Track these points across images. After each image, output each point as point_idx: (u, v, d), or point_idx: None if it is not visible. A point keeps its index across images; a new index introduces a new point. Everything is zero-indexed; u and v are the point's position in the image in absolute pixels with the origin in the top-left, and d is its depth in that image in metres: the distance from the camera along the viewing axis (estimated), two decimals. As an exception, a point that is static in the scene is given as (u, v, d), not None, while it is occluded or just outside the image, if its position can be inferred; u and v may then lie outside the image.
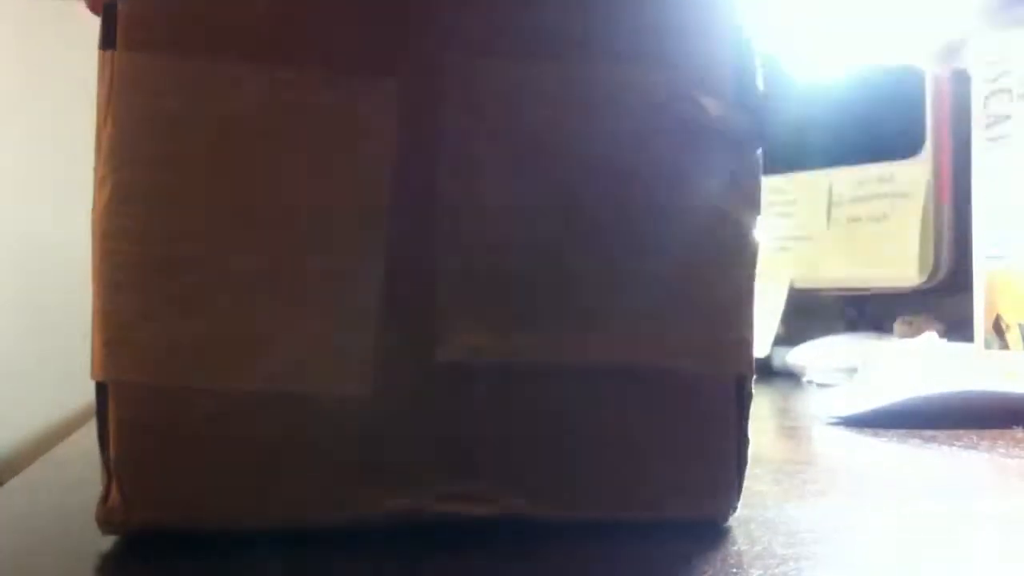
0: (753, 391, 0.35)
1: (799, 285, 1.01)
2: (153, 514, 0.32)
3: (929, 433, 0.59)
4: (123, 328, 0.31)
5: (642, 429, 0.34)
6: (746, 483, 0.35)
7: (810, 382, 0.91)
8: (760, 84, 0.35)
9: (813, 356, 0.93)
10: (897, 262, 0.92)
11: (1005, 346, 0.74)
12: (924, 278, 0.90)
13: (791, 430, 0.65)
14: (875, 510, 0.39)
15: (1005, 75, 0.75)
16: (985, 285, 0.76)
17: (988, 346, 0.76)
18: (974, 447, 0.55)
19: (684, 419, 0.34)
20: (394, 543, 0.32)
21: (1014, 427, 0.61)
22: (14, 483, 0.43)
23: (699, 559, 0.31)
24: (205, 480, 0.32)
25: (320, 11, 0.32)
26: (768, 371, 0.99)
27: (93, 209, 0.32)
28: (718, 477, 0.35)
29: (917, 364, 0.72)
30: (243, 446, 0.32)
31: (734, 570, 0.30)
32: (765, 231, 0.36)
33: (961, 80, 0.85)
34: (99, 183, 0.32)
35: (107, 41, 0.32)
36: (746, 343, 0.35)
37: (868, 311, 1.04)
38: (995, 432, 0.59)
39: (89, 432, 0.32)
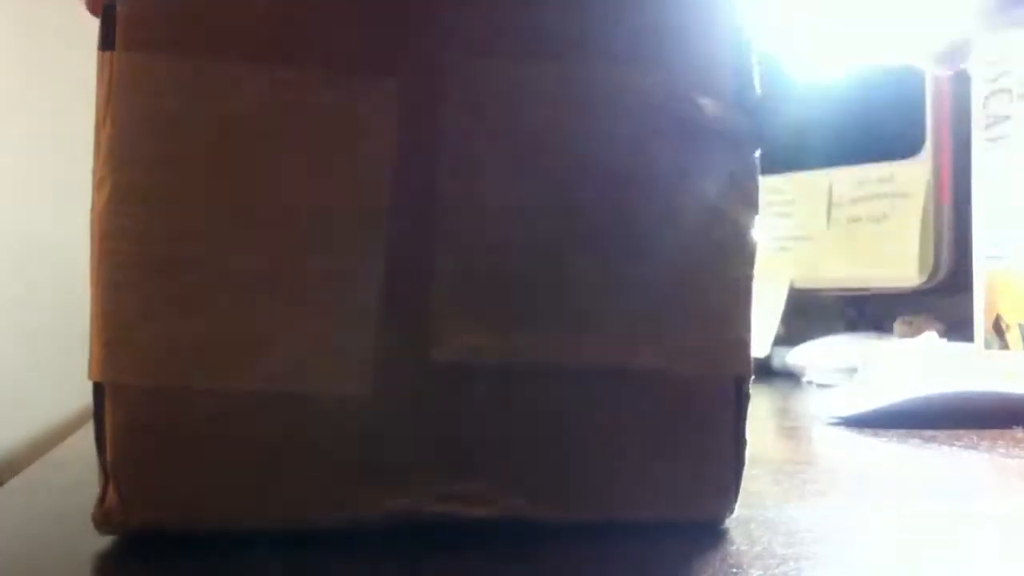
0: (752, 392, 0.35)
1: (799, 285, 1.01)
2: (151, 515, 0.31)
3: (929, 433, 0.59)
4: (122, 328, 0.31)
5: (640, 430, 0.34)
6: (746, 483, 0.35)
7: (810, 382, 0.91)
8: (758, 85, 0.35)
9: (813, 356, 0.93)
10: (897, 262, 0.92)
11: (1005, 346, 0.74)
12: (924, 278, 0.91)
13: (791, 430, 0.65)
14: (875, 510, 0.39)
15: (1005, 75, 0.75)
16: (985, 285, 0.76)
17: (988, 346, 0.76)
18: (974, 447, 0.55)
19: (682, 420, 0.34)
20: (393, 543, 0.32)
21: (1014, 427, 0.61)
22: (13, 484, 0.43)
23: (699, 559, 0.31)
24: (204, 481, 0.32)
25: (320, 11, 0.32)
26: (768, 371, 0.99)
27: (92, 209, 0.32)
28: (716, 478, 0.35)
29: (917, 364, 0.73)
30: (242, 446, 0.32)
31: (734, 570, 0.30)
32: (765, 231, 0.36)
33: (961, 80, 0.85)
34: (98, 183, 0.32)
35: (106, 42, 0.32)
36: (744, 344, 0.35)
37: (868, 311, 1.04)
38: (995, 432, 0.59)
39: (88, 433, 0.32)
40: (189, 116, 0.32)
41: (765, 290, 0.99)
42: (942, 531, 0.36)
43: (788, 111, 0.94)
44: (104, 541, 0.32)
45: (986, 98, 0.76)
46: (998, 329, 0.75)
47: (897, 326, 0.94)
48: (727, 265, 0.35)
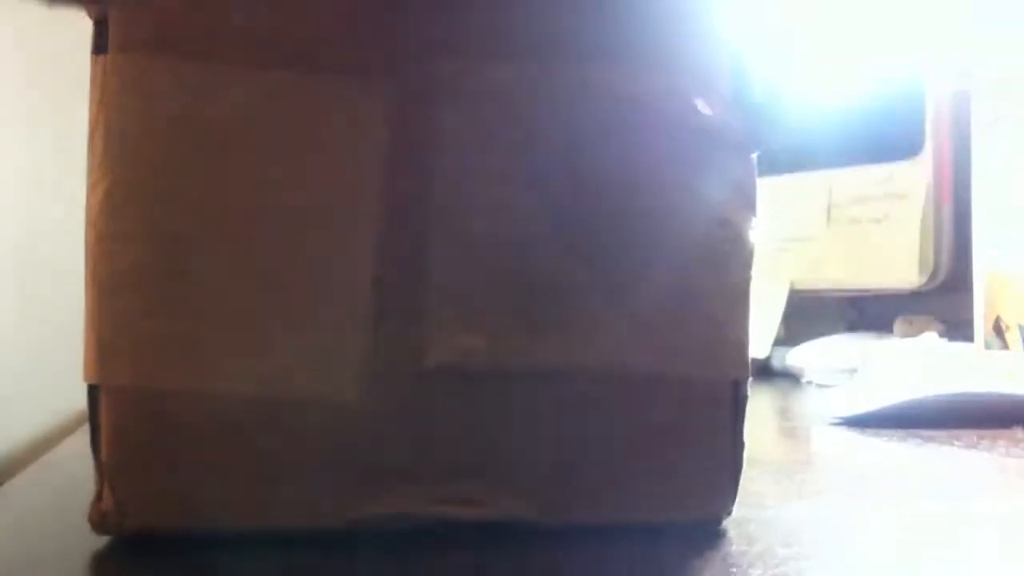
0: (751, 392, 0.35)
1: (799, 286, 1.01)
2: (147, 516, 0.31)
3: (929, 433, 0.59)
4: (116, 330, 0.31)
5: (638, 431, 0.34)
6: (745, 483, 0.35)
7: (810, 383, 0.91)
8: (757, 86, 0.35)
9: (813, 357, 0.93)
10: (897, 263, 0.92)
11: (1005, 346, 0.74)
12: (924, 279, 0.90)
13: (791, 430, 0.65)
14: (875, 510, 0.39)
15: (1005, 76, 0.75)
16: (985, 286, 0.76)
17: (988, 346, 0.76)
18: (974, 447, 0.55)
19: (680, 421, 0.34)
20: (392, 544, 0.32)
21: (1014, 427, 0.61)
22: (13, 484, 0.43)
23: (698, 559, 0.31)
24: (200, 483, 0.31)
25: (312, 13, 0.32)
26: (768, 372, 0.99)
27: (87, 211, 0.32)
28: (714, 480, 0.35)
29: (917, 364, 0.73)
30: (237, 449, 0.32)
31: (733, 570, 0.30)
32: (765, 232, 0.36)
33: (961, 80, 0.85)
34: (92, 186, 0.32)
35: (99, 45, 0.32)
36: (742, 345, 0.35)
37: (868, 312, 1.04)
38: (995, 432, 0.59)
39: (86, 434, 0.32)
40: (183, 118, 0.31)
41: (765, 291, 0.99)
42: (942, 531, 0.36)
43: (788, 111, 0.94)
44: (102, 541, 0.32)
45: (986, 98, 0.76)
46: (998, 329, 0.75)
47: (898, 325, 0.94)
48: (725, 267, 0.35)
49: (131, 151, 0.31)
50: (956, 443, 0.56)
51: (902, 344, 0.84)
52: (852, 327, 1.03)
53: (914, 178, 0.92)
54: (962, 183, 0.84)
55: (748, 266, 0.35)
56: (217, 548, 0.31)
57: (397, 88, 0.32)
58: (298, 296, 0.32)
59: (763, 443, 0.56)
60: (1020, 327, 0.73)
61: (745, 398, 0.35)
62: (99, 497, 0.31)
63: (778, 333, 0.99)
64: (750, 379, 0.35)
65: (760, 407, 0.74)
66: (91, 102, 0.32)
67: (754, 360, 0.36)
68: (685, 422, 0.34)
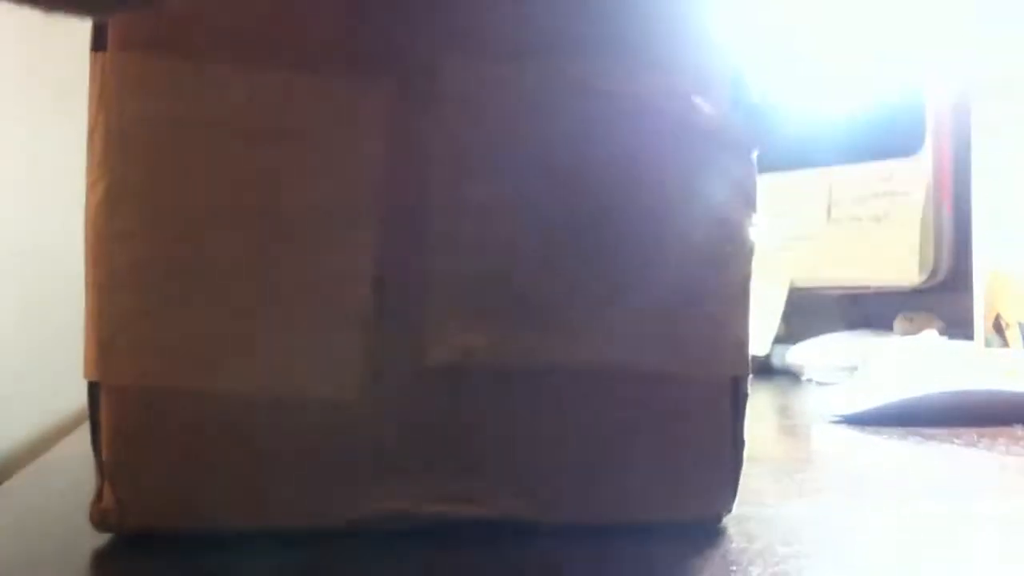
0: (751, 390, 0.35)
1: (799, 284, 1.01)
2: (147, 514, 0.31)
3: (929, 431, 0.59)
4: (116, 329, 0.31)
5: (638, 430, 0.34)
6: (745, 481, 0.35)
7: (810, 380, 0.91)
8: (757, 86, 0.35)
9: (813, 355, 0.93)
10: (897, 261, 0.92)
11: (1005, 344, 0.74)
12: (924, 277, 0.90)
13: (791, 428, 0.65)
14: (875, 508, 0.39)
15: (1006, 74, 0.75)
16: (985, 284, 0.76)
17: (988, 344, 0.76)
18: (974, 445, 0.55)
19: (680, 420, 0.34)
20: (392, 543, 0.32)
21: (1014, 425, 0.61)
22: (13, 484, 0.43)
23: (698, 557, 0.31)
24: (200, 482, 0.32)
25: (312, 12, 0.32)
26: (768, 370, 0.99)
27: (86, 211, 0.32)
28: (714, 478, 0.35)
29: (917, 362, 0.72)
30: (237, 447, 0.32)
31: (733, 568, 0.30)
32: (765, 231, 0.36)
33: (961, 78, 0.85)
34: (91, 185, 0.32)
35: (98, 43, 0.32)
36: (742, 343, 0.35)
37: (868, 310, 1.04)
38: (995, 430, 0.59)
39: (86, 435, 0.32)
40: (182, 117, 0.31)
41: (765, 289, 0.99)
42: (942, 530, 0.36)
43: (788, 111, 0.94)
44: (102, 541, 0.32)
45: (986, 98, 0.76)
46: (998, 327, 0.75)
47: (898, 323, 0.94)
48: (725, 266, 0.35)
49: (130, 150, 0.31)
50: (956, 441, 0.56)
51: (902, 342, 0.84)
52: (852, 325, 1.03)
53: (914, 176, 0.92)
54: (962, 181, 0.84)
55: (748, 264, 0.35)
56: (217, 548, 0.31)
57: (397, 88, 0.32)
58: (298, 296, 0.32)
59: (763, 441, 0.56)
60: (1020, 325, 0.73)
61: (745, 396, 0.35)
62: (99, 495, 0.31)
63: (778, 331, 0.99)
64: (750, 377, 0.35)
65: (760, 405, 0.74)
66: (90, 100, 0.32)
67: (754, 358, 0.36)
68: (685, 420, 0.34)
